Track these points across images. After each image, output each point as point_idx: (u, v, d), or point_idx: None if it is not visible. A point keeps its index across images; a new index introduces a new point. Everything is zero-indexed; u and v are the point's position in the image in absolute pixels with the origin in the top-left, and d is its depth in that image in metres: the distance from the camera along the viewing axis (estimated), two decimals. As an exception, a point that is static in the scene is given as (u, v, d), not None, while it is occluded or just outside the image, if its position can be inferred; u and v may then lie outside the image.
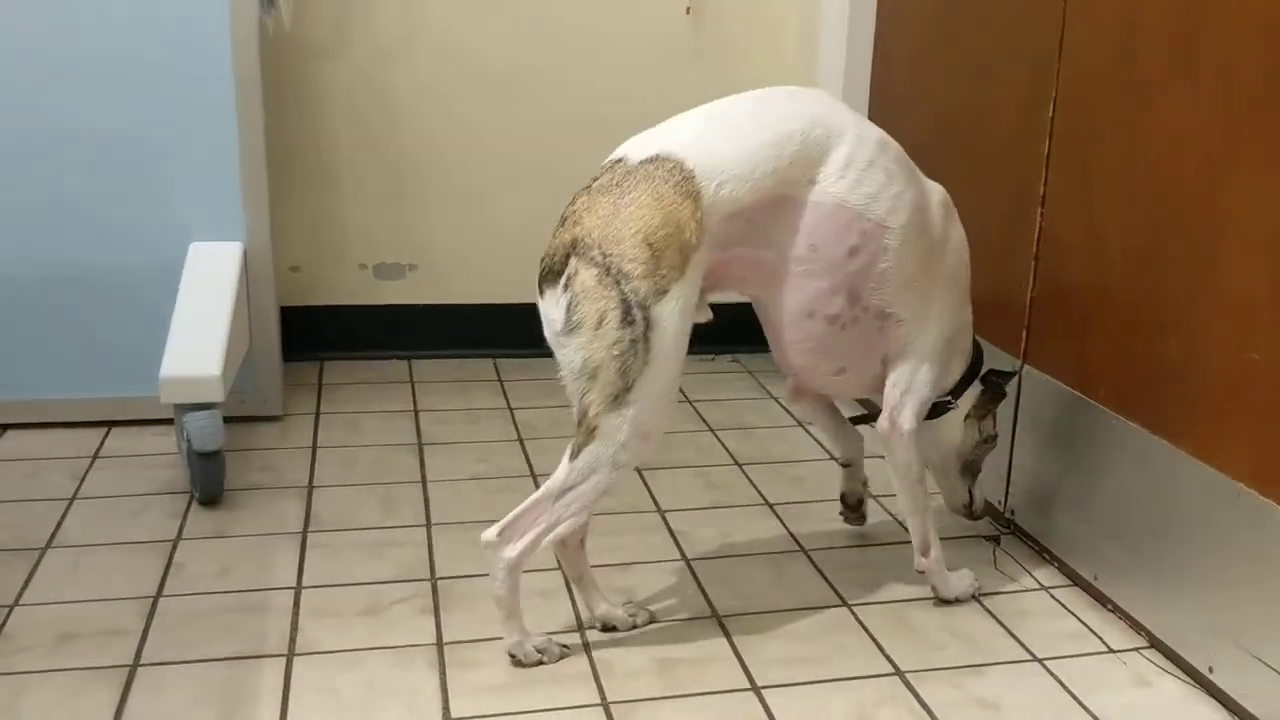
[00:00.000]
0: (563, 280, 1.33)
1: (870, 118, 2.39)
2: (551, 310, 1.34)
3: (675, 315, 1.32)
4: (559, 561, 1.54)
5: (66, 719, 1.31)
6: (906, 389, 1.53)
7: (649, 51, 2.55)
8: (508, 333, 2.64)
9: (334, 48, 2.44)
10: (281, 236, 2.34)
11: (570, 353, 1.33)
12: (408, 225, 2.56)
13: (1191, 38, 1.44)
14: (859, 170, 1.42)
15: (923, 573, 1.61)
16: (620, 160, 1.37)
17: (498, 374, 2.55)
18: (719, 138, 1.38)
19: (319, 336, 2.55)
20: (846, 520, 1.81)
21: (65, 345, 2.08)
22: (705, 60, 2.57)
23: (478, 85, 2.51)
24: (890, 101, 2.29)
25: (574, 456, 1.35)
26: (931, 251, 1.52)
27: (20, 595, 1.57)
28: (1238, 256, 1.37)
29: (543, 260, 1.36)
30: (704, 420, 2.27)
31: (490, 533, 1.41)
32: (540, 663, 1.44)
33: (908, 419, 1.53)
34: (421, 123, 2.51)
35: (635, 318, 1.30)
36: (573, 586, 1.55)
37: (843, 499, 1.80)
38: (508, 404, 2.37)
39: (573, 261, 1.32)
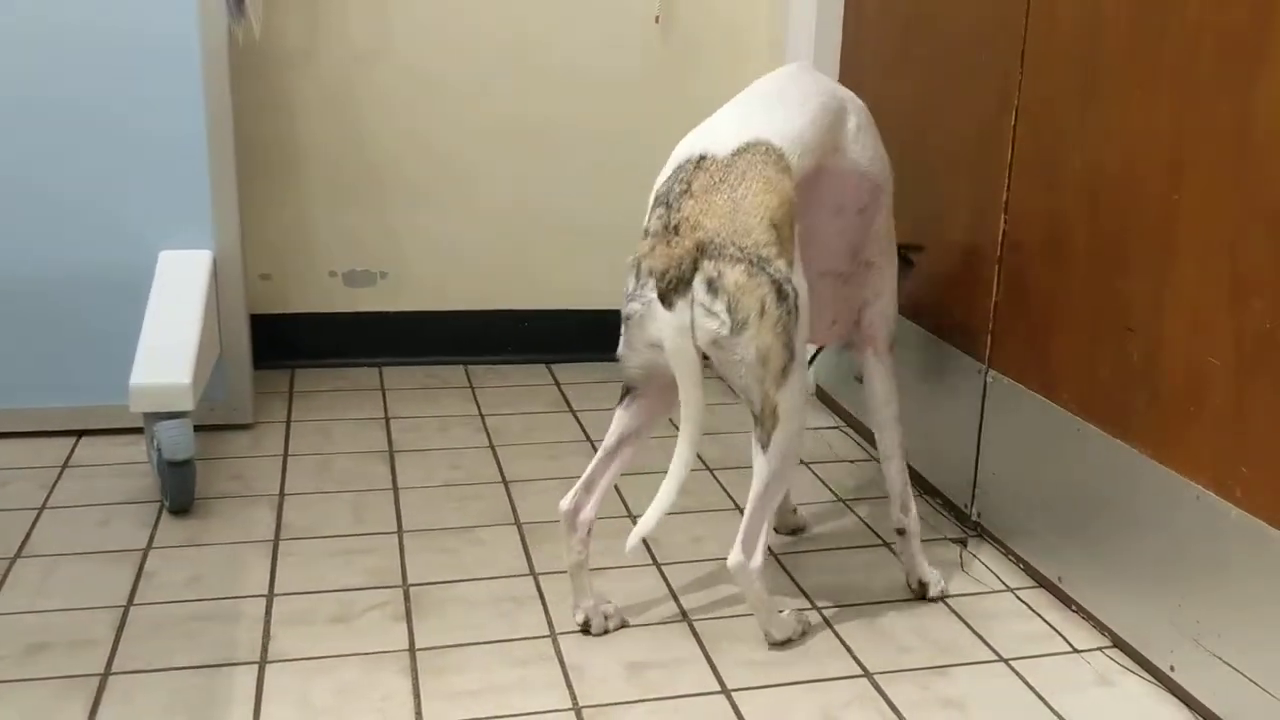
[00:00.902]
0: (697, 286, 1.35)
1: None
2: (683, 317, 1.36)
3: (801, 277, 1.40)
4: (567, 548, 1.53)
5: (37, 729, 1.31)
6: (881, 324, 1.65)
7: (618, 60, 2.57)
8: (479, 339, 2.65)
9: (304, 56, 2.44)
10: (252, 244, 2.34)
11: (743, 348, 1.37)
12: (378, 232, 2.56)
13: (1150, 47, 1.47)
14: (864, 135, 1.56)
15: (902, 532, 1.65)
16: (704, 158, 1.40)
17: (469, 380, 2.56)
18: (783, 115, 1.45)
19: (289, 344, 2.55)
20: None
21: (34, 354, 2.07)
22: (674, 69, 2.59)
23: (447, 93, 2.52)
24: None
25: (766, 447, 1.42)
26: (890, 202, 1.66)
27: (-11, 606, 1.56)
28: (1195, 262, 1.40)
29: (665, 275, 1.36)
30: (674, 425, 2.28)
31: (734, 557, 1.44)
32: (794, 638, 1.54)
33: (884, 348, 1.65)
34: (392, 130, 2.51)
35: (787, 292, 1.37)
36: (571, 574, 1.54)
37: (775, 531, 1.86)
38: (479, 410, 2.37)
39: (708, 264, 1.35)
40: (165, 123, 2.02)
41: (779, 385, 1.39)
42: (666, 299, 1.37)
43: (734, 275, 1.34)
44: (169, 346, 1.88)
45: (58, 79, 1.98)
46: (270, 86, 2.43)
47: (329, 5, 2.42)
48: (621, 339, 1.46)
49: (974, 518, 1.86)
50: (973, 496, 1.86)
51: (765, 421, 1.41)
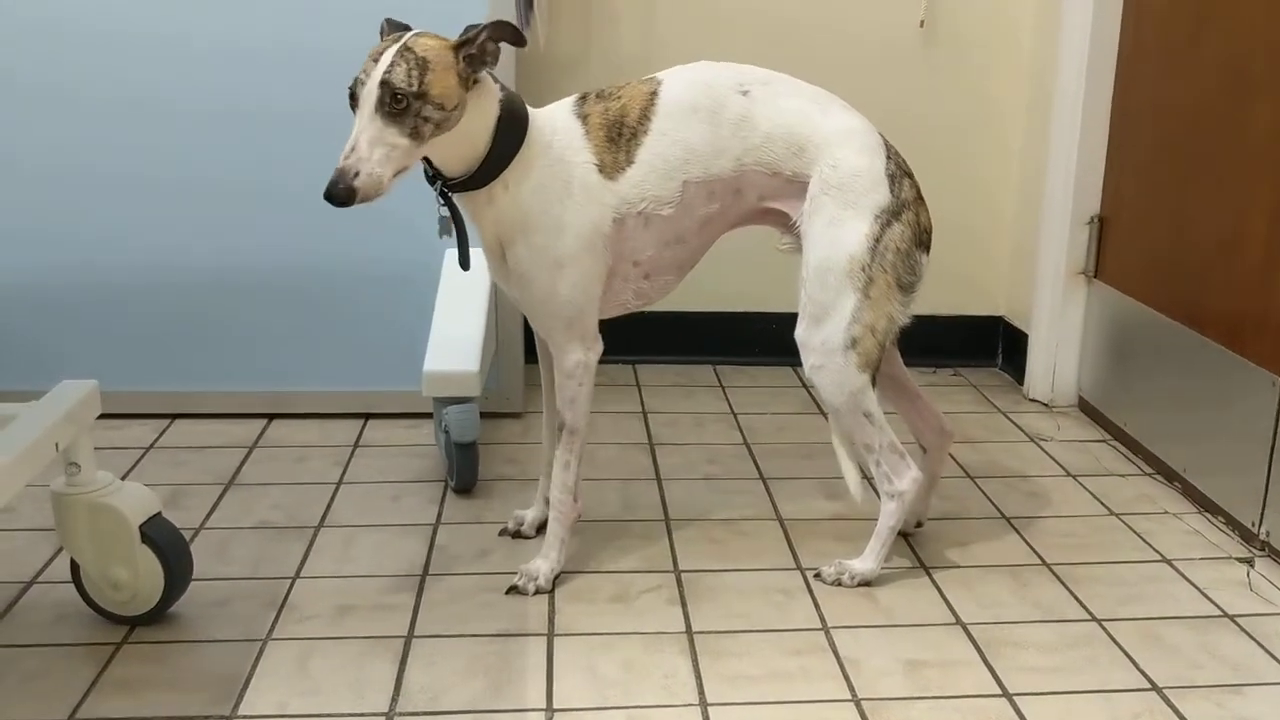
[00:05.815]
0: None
1: (1113, 122, 2.33)
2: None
3: None
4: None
5: (354, 681, 1.42)
6: None
7: (882, 65, 2.56)
8: (727, 340, 2.69)
9: (578, 62, 2.54)
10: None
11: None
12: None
13: None
14: None
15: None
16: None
17: (718, 379, 2.60)
18: None
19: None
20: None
21: (329, 341, 2.24)
22: (939, 72, 2.57)
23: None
24: (1134, 105, 2.23)
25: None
26: None
27: (300, 569, 1.70)
28: None
29: (930, 232, 1.64)
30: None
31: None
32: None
33: None
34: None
35: None
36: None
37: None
38: (731, 409, 2.42)
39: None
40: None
41: None
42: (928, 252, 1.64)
43: None
44: (458, 337, 1.99)
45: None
46: (545, 91, 2.54)
47: (601, 14, 2.52)
48: (905, 305, 1.62)
49: (1262, 536, 1.77)
50: (1262, 515, 1.77)
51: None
